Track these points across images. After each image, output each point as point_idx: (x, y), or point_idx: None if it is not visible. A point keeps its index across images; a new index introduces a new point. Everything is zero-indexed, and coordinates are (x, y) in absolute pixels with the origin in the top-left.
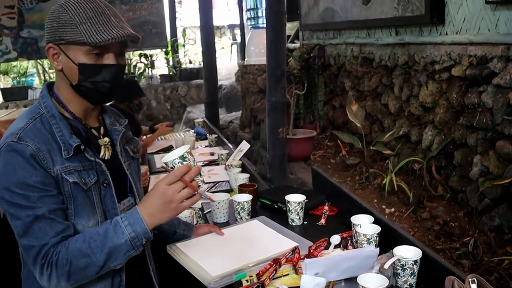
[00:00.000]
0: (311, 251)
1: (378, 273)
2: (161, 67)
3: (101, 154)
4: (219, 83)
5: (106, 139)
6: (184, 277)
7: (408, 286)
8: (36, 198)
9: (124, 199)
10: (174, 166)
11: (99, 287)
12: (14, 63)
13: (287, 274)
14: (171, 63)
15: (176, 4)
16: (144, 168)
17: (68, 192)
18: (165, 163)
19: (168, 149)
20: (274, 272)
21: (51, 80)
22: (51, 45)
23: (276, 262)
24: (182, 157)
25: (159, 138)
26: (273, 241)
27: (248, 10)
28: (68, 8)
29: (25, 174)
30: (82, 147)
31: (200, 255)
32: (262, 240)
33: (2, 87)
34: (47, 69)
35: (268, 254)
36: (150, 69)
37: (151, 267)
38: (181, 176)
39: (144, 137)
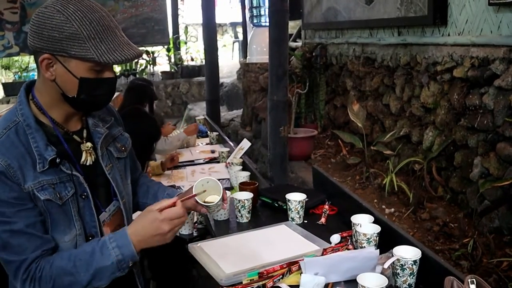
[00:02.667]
0: (324, 253)
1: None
2: (163, 64)
3: (81, 160)
4: (221, 81)
5: (89, 144)
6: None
7: (407, 286)
8: (12, 213)
9: (110, 204)
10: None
11: None
12: (16, 58)
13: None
14: (172, 60)
15: (179, 1)
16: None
17: (42, 207)
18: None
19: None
20: (281, 276)
21: (29, 80)
22: (47, 55)
23: (288, 265)
24: (216, 205)
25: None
26: (294, 244)
27: (250, 8)
28: (71, 17)
29: None
30: (58, 160)
31: (219, 254)
32: (284, 243)
33: (3, 81)
34: None
35: (286, 256)
36: (151, 66)
37: (138, 281)
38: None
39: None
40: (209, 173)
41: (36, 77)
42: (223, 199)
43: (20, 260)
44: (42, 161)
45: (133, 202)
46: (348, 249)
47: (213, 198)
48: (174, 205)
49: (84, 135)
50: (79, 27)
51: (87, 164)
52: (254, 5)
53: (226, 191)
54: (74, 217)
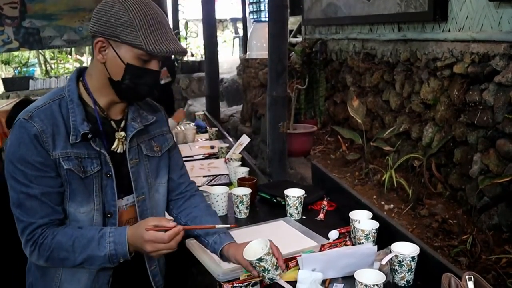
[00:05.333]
0: (322, 250)
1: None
2: None
3: (113, 146)
4: (221, 76)
5: (122, 133)
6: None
7: (405, 283)
8: (33, 177)
9: (129, 195)
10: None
11: (85, 275)
12: (15, 53)
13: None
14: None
15: None
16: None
17: (64, 176)
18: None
19: None
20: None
21: (83, 66)
22: (101, 38)
23: (286, 261)
24: (260, 259)
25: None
26: (293, 240)
27: (250, 3)
28: (129, 8)
29: (27, 152)
30: (90, 135)
31: None
32: (282, 239)
33: (3, 77)
34: (48, 59)
35: (284, 252)
36: None
37: (149, 267)
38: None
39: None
40: (208, 168)
41: (36, 72)
42: (274, 257)
43: (28, 222)
44: (75, 133)
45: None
46: (346, 245)
47: (257, 252)
48: (169, 228)
49: (122, 125)
50: (134, 17)
51: (118, 151)
52: (254, 0)
53: (225, 187)
54: (94, 192)
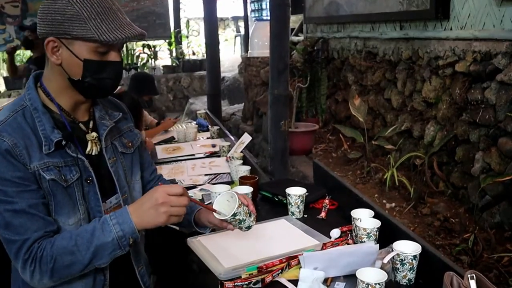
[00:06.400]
0: (324, 248)
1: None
2: (164, 58)
3: (87, 149)
4: (222, 75)
5: (94, 134)
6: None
7: (407, 281)
8: (15, 193)
9: (111, 196)
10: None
11: (80, 285)
12: (17, 52)
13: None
14: (174, 54)
15: None
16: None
17: (47, 188)
18: (218, 213)
19: (170, 140)
20: (280, 271)
21: (39, 70)
22: (52, 38)
23: (287, 259)
24: (234, 215)
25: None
26: (294, 239)
27: (252, 2)
28: (73, 1)
29: (2, 169)
30: (64, 142)
31: (219, 248)
32: (284, 237)
33: (5, 75)
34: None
35: (286, 250)
36: (153, 60)
37: (136, 268)
38: (185, 193)
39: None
40: (209, 167)
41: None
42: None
43: (22, 239)
44: (48, 143)
45: None
46: (348, 244)
47: (229, 208)
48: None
49: (91, 126)
50: (80, 9)
51: (92, 154)
52: None
53: (227, 185)
54: (78, 201)
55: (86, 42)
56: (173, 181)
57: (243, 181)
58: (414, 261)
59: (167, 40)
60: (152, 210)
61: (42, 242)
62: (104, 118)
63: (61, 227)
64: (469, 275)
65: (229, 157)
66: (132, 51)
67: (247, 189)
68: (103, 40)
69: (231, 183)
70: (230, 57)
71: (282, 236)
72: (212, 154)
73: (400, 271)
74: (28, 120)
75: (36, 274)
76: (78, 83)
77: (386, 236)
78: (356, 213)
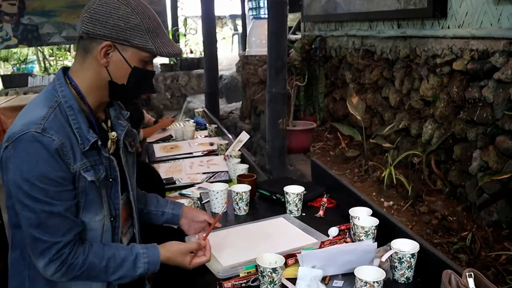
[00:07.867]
0: (322, 246)
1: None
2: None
3: (110, 148)
4: (220, 73)
5: (114, 133)
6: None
7: (405, 279)
8: (55, 193)
9: (123, 193)
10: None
11: (97, 284)
12: (14, 50)
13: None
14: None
15: None
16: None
17: (82, 188)
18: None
19: (167, 138)
20: None
21: (65, 66)
22: (109, 42)
23: (286, 258)
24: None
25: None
26: (292, 237)
27: (250, 0)
28: (135, 11)
29: (48, 168)
30: (99, 143)
31: (217, 246)
32: (282, 236)
33: (2, 74)
34: (47, 56)
35: (284, 249)
36: None
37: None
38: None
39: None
40: (207, 165)
41: (35, 69)
42: None
43: (52, 241)
44: (83, 142)
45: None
46: (346, 242)
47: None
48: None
49: (109, 124)
50: (142, 20)
51: (111, 153)
52: None
53: (225, 184)
54: (103, 199)
55: (141, 51)
56: (170, 180)
57: (241, 179)
58: (412, 259)
59: None
60: (178, 264)
61: (74, 248)
62: (119, 118)
63: (87, 223)
64: (467, 273)
65: (227, 155)
66: None
67: (245, 188)
68: (159, 53)
69: (229, 181)
70: (227, 55)
71: (280, 234)
72: (210, 153)
73: (398, 269)
74: (64, 117)
75: (59, 274)
76: (119, 87)
77: (384, 234)
78: (354, 211)
